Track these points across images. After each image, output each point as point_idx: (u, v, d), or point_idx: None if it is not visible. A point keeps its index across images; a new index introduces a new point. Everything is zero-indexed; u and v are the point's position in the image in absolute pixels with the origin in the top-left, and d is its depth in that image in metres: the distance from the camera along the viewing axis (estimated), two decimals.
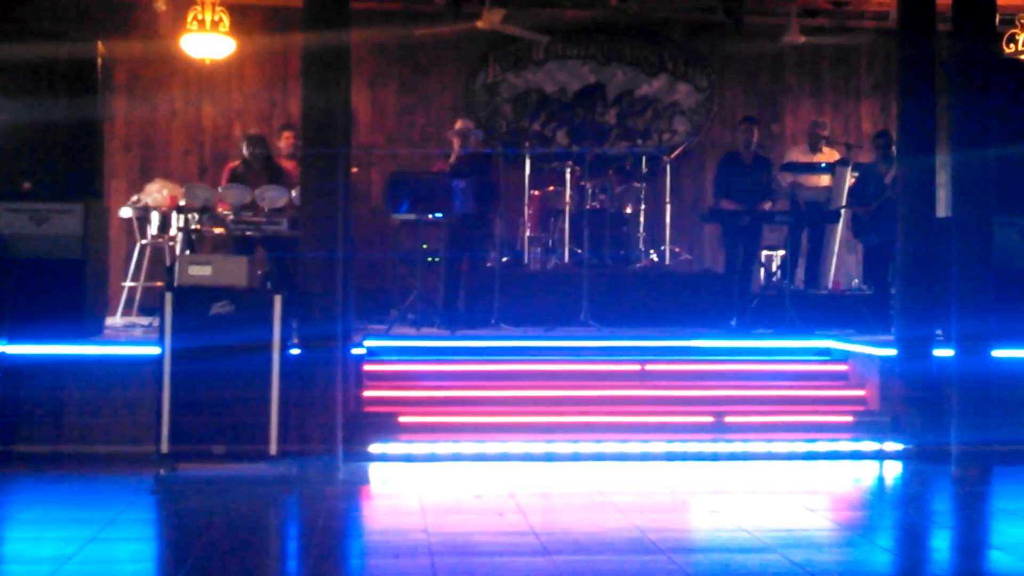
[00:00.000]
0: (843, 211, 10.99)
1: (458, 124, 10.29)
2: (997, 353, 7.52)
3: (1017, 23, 11.46)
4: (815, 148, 11.48)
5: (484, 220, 9.89)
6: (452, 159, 10.04)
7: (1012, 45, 11.49)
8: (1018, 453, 7.62)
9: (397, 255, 10.23)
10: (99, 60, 8.46)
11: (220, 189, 9.51)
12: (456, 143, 10.11)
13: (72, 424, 7.50)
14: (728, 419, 8.01)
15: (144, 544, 5.84)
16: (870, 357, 8.46)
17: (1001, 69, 9.12)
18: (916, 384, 7.98)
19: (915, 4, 8.23)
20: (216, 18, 10.58)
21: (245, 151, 9.89)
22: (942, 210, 9.55)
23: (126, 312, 10.42)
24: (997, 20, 9.15)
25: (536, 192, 11.16)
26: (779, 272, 10.88)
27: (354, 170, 10.55)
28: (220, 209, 9.42)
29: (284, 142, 10.49)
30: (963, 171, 7.64)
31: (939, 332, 8.19)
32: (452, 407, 8.02)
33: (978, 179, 7.61)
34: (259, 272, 7.52)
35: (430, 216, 9.54)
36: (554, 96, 12.54)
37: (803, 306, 10.11)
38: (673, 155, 11.47)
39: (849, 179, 11.04)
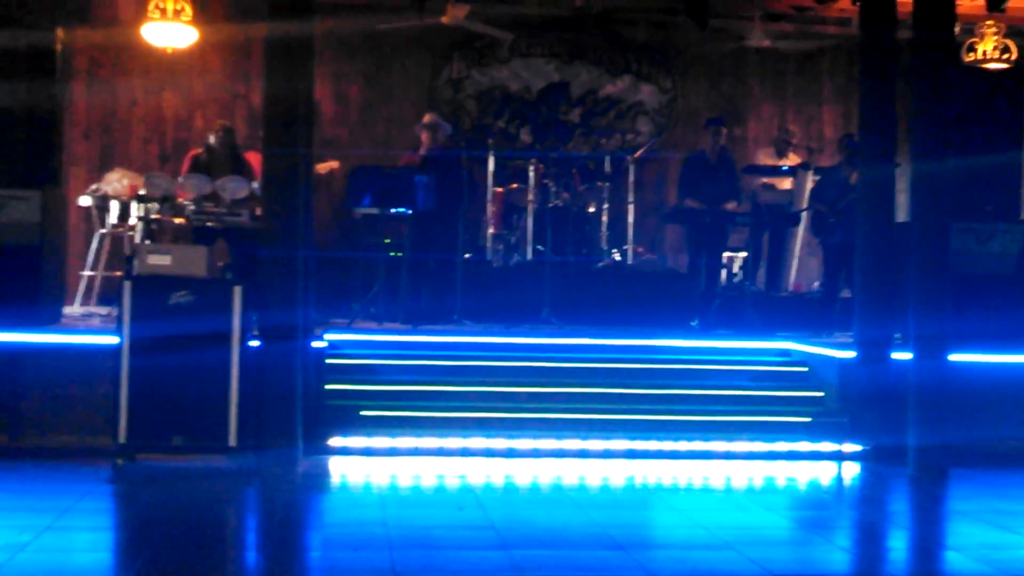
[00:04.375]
0: (804, 214, 11.08)
1: (427, 118, 10.26)
2: (955, 356, 7.60)
3: (976, 32, 11.58)
4: (782, 154, 11.55)
5: (451, 217, 9.87)
6: (422, 151, 10.01)
7: (972, 53, 11.60)
8: (974, 455, 7.69)
9: (361, 253, 10.20)
10: (58, 47, 8.39)
11: (180, 179, 9.42)
12: (425, 137, 10.09)
13: (29, 413, 7.39)
14: (686, 418, 8.04)
15: (100, 533, 5.77)
16: (829, 359, 8.53)
17: (961, 77, 9.23)
18: (874, 386, 8.04)
19: (876, 10, 8.30)
20: (178, 7, 10.46)
21: (212, 140, 9.81)
22: (902, 215, 9.65)
23: (85, 301, 10.31)
24: (957, 29, 9.27)
25: (499, 189, 11.15)
26: (740, 273, 10.94)
27: (335, 164, 10.54)
28: (181, 199, 9.34)
29: None
30: (922, 176, 7.72)
31: (898, 335, 8.27)
32: (414, 401, 8.00)
33: (937, 185, 7.68)
34: (219, 263, 7.47)
35: (392, 211, 9.51)
36: (518, 94, 12.54)
37: (764, 308, 10.17)
38: (636, 155, 11.50)
39: (810, 182, 11.12)
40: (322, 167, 10.28)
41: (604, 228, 11.06)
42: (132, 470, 6.79)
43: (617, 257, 11.09)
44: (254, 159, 9.88)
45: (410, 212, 9.49)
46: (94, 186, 10.24)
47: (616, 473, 7.31)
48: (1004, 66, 11.39)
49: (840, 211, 9.83)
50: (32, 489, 6.48)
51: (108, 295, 9.79)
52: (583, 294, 10.29)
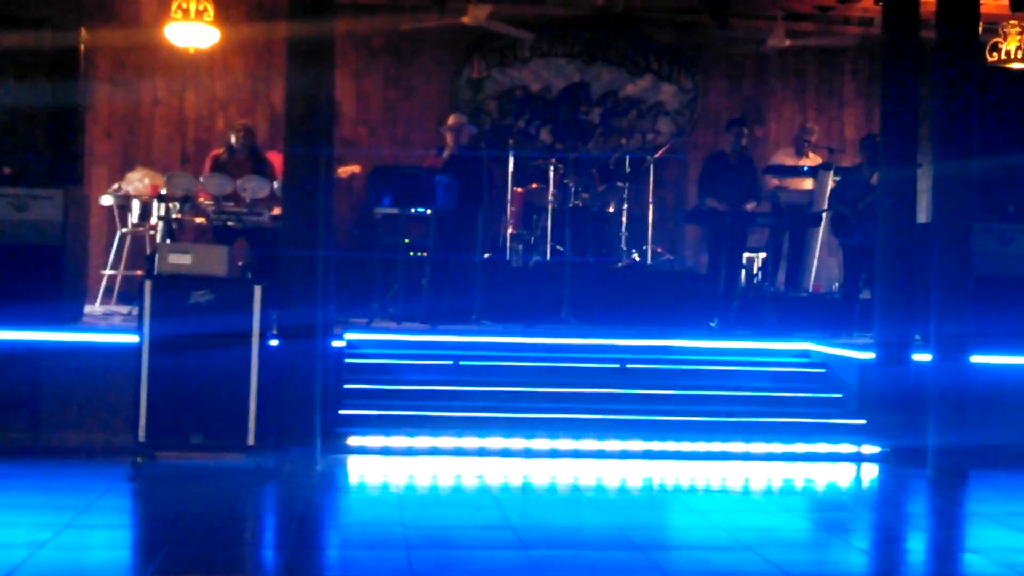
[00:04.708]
0: (825, 214, 11.05)
1: (451, 120, 10.29)
2: (975, 358, 7.56)
3: (1000, 32, 11.51)
4: (801, 152, 11.52)
5: (471, 217, 9.89)
6: (446, 154, 10.05)
7: (995, 53, 11.54)
8: (994, 457, 7.65)
9: (380, 253, 10.24)
10: (82, 47, 8.43)
11: (202, 179, 9.47)
12: (450, 138, 10.13)
13: (50, 411, 7.43)
14: (704, 419, 8.03)
15: (119, 531, 5.81)
16: (848, 360, 8.49)
17: (983, 77, 9.17)
18: (894, 387, 8.01)
19: (899, 10, 8.27)
20: (201, 7, 10.53)
21: (232, 140, 9.86)
22: (923, 216, 9.60)
23: (106, 300, 10.38)
24: (981, 28, 9.21)
25: (519, 189, 11.16)
26: (760, 274, 10.92)
27: (356, 168, 10.58)
28: (202, 199, 9.38)
29: None
30: (944, 177, 7.68)
31: (918, 336, 8.23)
32: (432, 401, 8.01)
33: (959, 185, 7.65)
34: (240, 262, 7.50)
35: (412, 211, 9.54)
36: (539, 94, 12.54)
37: (783, 308, 10.15)
38: (656, 155, 11.49)
39: (830, 182, 11.09)
40: (343, 171, 10.32)
41: (623, 228, 11.06)
42: (151, 468, 6.83)
43: (636, 257, 11.08)
44: (275, 159, 9.93)
45: (429, 212, 9.51)
46: (116, 185, 10.31)
47: (634, 474, 7.30)
48: None
49: (861, 212, 9.79)
50: (52, 486, 6.52)
51: (129, 294, 9.86)
52: (602, 294, 10.29)
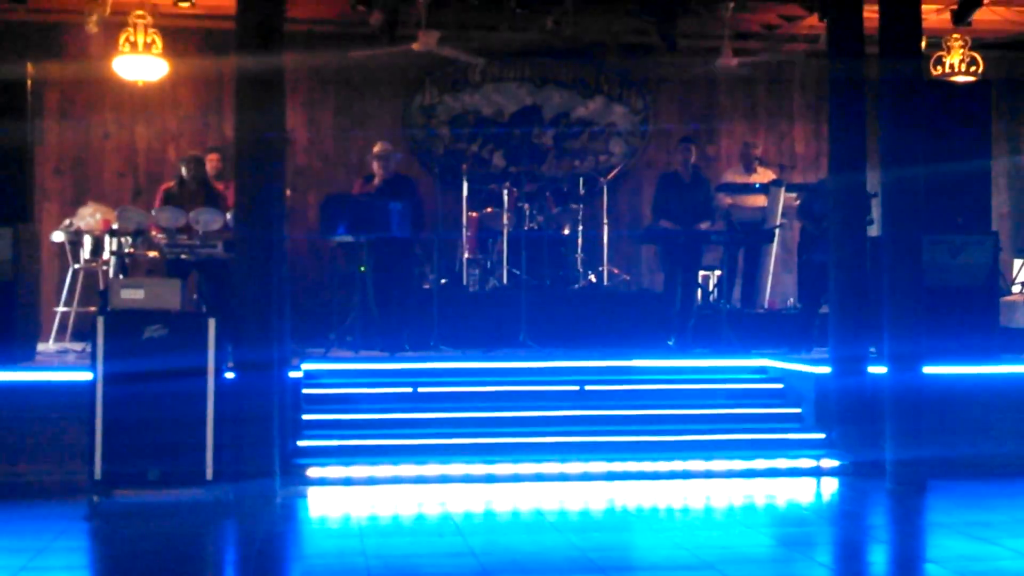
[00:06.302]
0: (777, 231, 11.13)
1: (377, 147, 10.27)
2: (928, 369, 7.62)
3: (944, 45, 11.68)
4: (749, 169, 11.61)
5: (411, 241, 9.87)
6: (376, 181, 10.03)
7: (939, 67, 11.71)
8: (951, 468, 7.72)
9: (335, 282, 10.19)
10: (29, 82, 8.35)
11: (154, 212, 9.40)
12: (377, 166, 10.10)
13: (3, 451, 7.33)
14: (665, 438, 8.05)
15: (77, 572, 5.74)
16: (806, 375, 8.55)
17: (928, 91, 9.30)
18: (851, 401, 8.07)
19: (843, 27, 8.37)
20: (148, 40, 10.48)
21: (183, 171, 9.80)
22: (875, 229, 9.70)
23: (59, 338, 10.26)
24: (924, 43, 9.35)
25: (474, 214, 11.17)
26: (716, 292, 10.97)
27: (288, 192, 10.53)
28: (154, 232, 9.32)
29: (210, 164, 10.38)
30: (893, 190, 7.77)
31: (873, 349, 8.30)
32: (392, 429, 7.98)
33: (908, 198, 7.74)
34: (194, 296, 7.45)
35: (366, 238, 9.51)
36: (491, 118, 12.57)
37: (740, 325, 10.20)
38: (609, 176, 11.55)
39: (783, 198, 11.18)
40: None
41: (579, 250, 11.10)
42: (108, 506, 6.75)
43: (593, 279, 11.12)
44: (223, 189, 9.89)
45: (365, 240, 9.45)
46: (67, 221, 10.21)
47: (596, 496, 7.30)
48: (971, 79, 11.49)
49: (826, 229, 9.86)
50: (7, 528, 6.43)
51: (83, 331, 9.72)
52: (560, 316, 10.31)
